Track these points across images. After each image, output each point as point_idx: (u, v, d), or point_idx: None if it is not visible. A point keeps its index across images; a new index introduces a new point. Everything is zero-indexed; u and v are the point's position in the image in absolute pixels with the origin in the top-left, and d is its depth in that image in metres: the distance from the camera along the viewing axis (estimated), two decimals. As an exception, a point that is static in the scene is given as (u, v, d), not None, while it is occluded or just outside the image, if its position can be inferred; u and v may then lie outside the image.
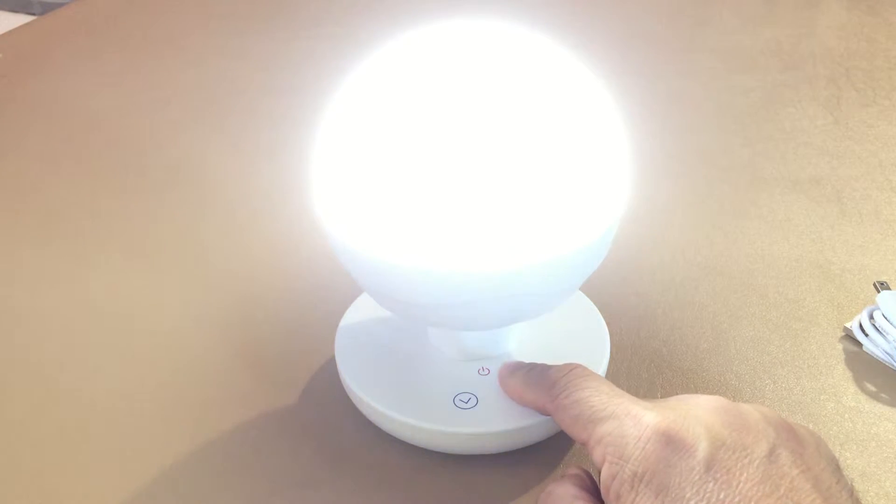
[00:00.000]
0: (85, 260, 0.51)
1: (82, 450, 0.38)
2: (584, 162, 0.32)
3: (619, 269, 0.49)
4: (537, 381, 0.34)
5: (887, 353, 0.42)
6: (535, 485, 0.36)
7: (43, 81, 0.77)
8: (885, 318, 0.42)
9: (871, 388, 0.41)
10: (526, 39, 0.33)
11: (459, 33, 0.33)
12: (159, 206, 0.57)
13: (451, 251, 0.31)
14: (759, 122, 0.68)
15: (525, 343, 0.40)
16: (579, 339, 0.40)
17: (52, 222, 0.56)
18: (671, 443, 0.27)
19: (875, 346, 0.42)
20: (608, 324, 0.41)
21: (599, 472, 0.29)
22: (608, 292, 0.46)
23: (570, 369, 0.33)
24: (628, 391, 0.40)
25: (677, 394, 0.40)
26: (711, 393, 0.40)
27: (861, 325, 0.43)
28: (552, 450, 0.37)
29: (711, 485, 0.26)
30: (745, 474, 0.26)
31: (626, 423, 0.29)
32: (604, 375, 0.39)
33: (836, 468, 0.29)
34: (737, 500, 0.26)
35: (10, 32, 0.89)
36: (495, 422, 0.36)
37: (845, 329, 0.44)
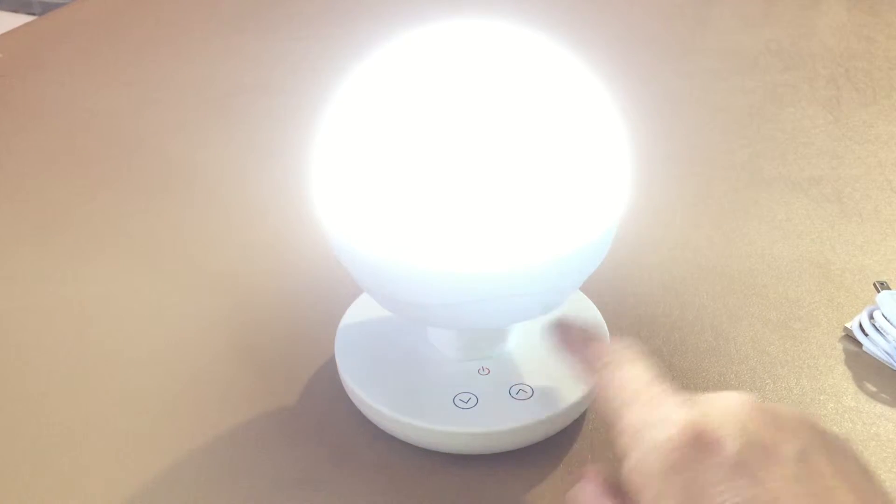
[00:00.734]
0: (84, 260, 0.51)
1: (82, 450, 0.38)
2: (584, 162, 0.32)
3: (619, 269, 0.49)
4: (591, 347, 0.32)
5: (887, 353, 0.42)
6: (535, 485, 0.36)
7: (43, 81, 0.77)
8: (885, 318, 0.42)
9: (871, 388, 0.41)
10: (526, 40, 0.33)
11: (459, 33, 0.33)
12: (159, 206, 0.57)
13: (451, 251, 0.31)
14: (759, 122, 0.68)
15: (525, 343, 0.40)
16: (579, 339, 0.40)
17: (51, 222, 0.56)
18: (702, 438, 0.27)
19: (875, 346, 0.42)
20: (608, 324, 0.41)
21: (622, 460, 0.28)
22: (608, 292, 0.46)
23: (625, 347, 0.31)
24: (628, 391, 0.41)
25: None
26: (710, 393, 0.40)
27: (861, 325, 0.43)
28: (552, 450, 0.37)
29: (742, 481, 0.25)
30: (778, 472, 0.26)
31: (658, 414, 0.28)
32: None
33: (866, 470, 0.28)
34: (768, 497, 0.25)
35: (10, 32, 0.89)
36: (495, 422, 0.36)
37: (845, 329, 0.44)
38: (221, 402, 0.40)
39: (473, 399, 0.37)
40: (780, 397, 0.40)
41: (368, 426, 0.38)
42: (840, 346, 0.43)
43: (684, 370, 0.42)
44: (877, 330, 0.42)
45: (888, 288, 0.45)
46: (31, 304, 0.48)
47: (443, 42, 0.33)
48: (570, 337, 0.34)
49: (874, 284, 0.46)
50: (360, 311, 0.42)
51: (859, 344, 0.43)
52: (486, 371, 0.38)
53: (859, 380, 0.41)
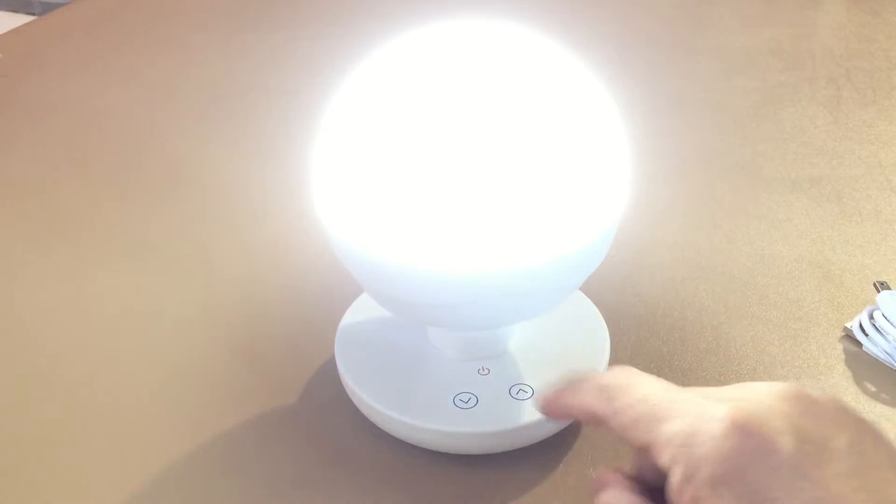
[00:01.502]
0: (85, 260, 0.51)
1: (82, 449, 0.38)
2: (584, 162, 0.32)
3: (619, 269, 0.49)
4: (586, 388, 0.30)
5: (887, 353, 0.42)
6: (535, 485, 0.36)
7: (43, 81, 0.77)
8: (885, 318, 0.42)
9: (871, 388, 0.41)
10: (526, 39, 0.33)
11: (460, 33, 0.33)
12: (159, 206, 0.57)
13: (450, 251, 0.31)
14: (759, 122, 0.68)
15: (525, 343, 0.40)
16: (579, 339, 0.40)
17: (52, 222, 0.56)
18: (751, 438, 0.25)
19: (875, 346, 0.42)
20: (608, 324, 0.41)
21: (667, 474, 0.26)
22: (608, 292, 0.46)
23: (624, 371, 0.29)
24: (628, 391, 0.41)
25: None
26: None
27: (861, 325, 0.43)
28: (552, 450, 0.37)
29: (802, 482, 0.24)
30: (833, 468, 0.24)
31: (697, 419, 0.26)
32: (604, 375, 0.39)
33: None
34: (830, 498, 0.24)
35: (10, 32, 0.89)
36: (495, 422, 0.36)
37: (845, 329, 0.44)
38: (221, 401, 0.40)
39: (473, 399, 0.37)
40: (780, 397, 0.40)
41: (368, 426, 0.38)
42: (840, 346, 0.43)
43: (684, 370, 0.42)
44: (877, 330, 0.42)
45: (888, 288, 0.45)
46: (31, 303, 0.48)
47: (443, 42, 0.33)
48: (559, 395, 0.31)
49: (874, 284, 0.46)
50: (360, 311, 0.42)
51: (859, 344, 0.43)
52: (486, 371, 0.38)
53: (859, 380, 0.41)
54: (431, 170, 0.30)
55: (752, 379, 0.41)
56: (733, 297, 0.47)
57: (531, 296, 0.33)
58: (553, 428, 0.37)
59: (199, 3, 0.97)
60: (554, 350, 0.40)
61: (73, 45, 0.85)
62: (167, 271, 0.50)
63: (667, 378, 0.41)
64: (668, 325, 0.45)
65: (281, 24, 0.89)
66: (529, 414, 0.36)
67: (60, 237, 0.54)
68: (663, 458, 0.26)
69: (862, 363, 0.42)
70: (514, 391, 0.37)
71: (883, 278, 0.48)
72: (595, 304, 0.43)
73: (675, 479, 0.26)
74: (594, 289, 0.42)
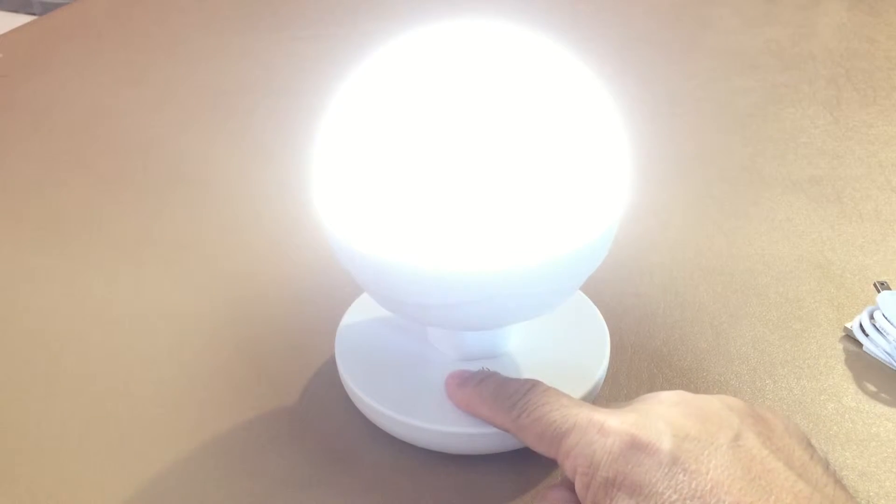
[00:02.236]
0: (85, 260, 0.51)
1: (82, 449, 0.38)
2: (584, 162, 0.32)
3: (619, 269, 0.49)
4: (493, 398, 0.33)
5: (887, 353, 0.42)
6: (535, 485, 0.36)
7: (43, 81, 0.77)
8: (885, 318, 0.42)
9: (871, 388, 0.41)
10: (525, 40, 0.33)
11: (460, 34, 0.33)
12: (159, 206, 0.57)
13: (450, 251, 0.31)
14: (759, 122, 0.68)
15: (525, 343, 0.40)
16: (579, 339, 0.40)
17: (52, 222, 0.56)
18: (636, 443, 0.28)
19: (875, 346, 0.42)
20: (608, 324, 0.41)
21: (573, 483, 0.29)
22: (608, 292, 0.46)
23: (528, 388, 0.33)
24: (628, 391, 0.41)
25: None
26: (710, 393, 0.40)
27: (861, 325, 0.43)
28: (552, 450, 0.37)
29: (681, 475, 0.26)
30: (713, 461, 0.27)
31: (590, 432, 0.29)
32: (604, 375, 0.39)
33: (808, 445, 0.29)
34: (709, 486, 0.26)
35: (10, 32, 0.89)
36: (495, 422, 0.36)
37: (845, 329, 0.44)
38: (221, 401, 0.40)
39: (473, 399, 0.37)
40: (780, 397, 0.40)
41: (368, 426, 0.38)
42: (840, 346, 0.43)
43: (684, 370, 0.42)
44: (877, 330, 0.42)
45: (888, 288, 0.45)
46: (30, 303, 0.48)
47: (443, 42, 0.33)
48: (466, 396, 0.35)
49: (874, 284, 0.46)
50: (360, 311, 0.42)
51: (859, 344, 0.43)
52: (487, 371, 0.38)
53: (859, 380, 0.41)
54: (431, 170, 0.30)
55: (752, 379, 0.41)
56: (733, 297, 0.47)
57: (531, 296, 0.33)
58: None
59: (199, 3, 0.97)
60: (554, 350, 0.40)
61: (73, 45, 0.85)
62: (167, 271, 0.50)
63: (667, 378, 0.42)
64: (668, 325, 0.45)
65: (281, 25, 0.89)
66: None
67: (60, 237, 0.54)
68: (567, 469, 0.29)
69: (862, 363, 0.42)
70: (514, 391, 0.37)
71: (883, 278, 0.48)
72: (595, 304, 0.43)
73: (577, 487, 0.29)
74: (594, 289, 0.42)
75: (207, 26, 0.90)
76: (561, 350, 0.40)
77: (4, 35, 0.88)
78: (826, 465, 0.28)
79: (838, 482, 0.27)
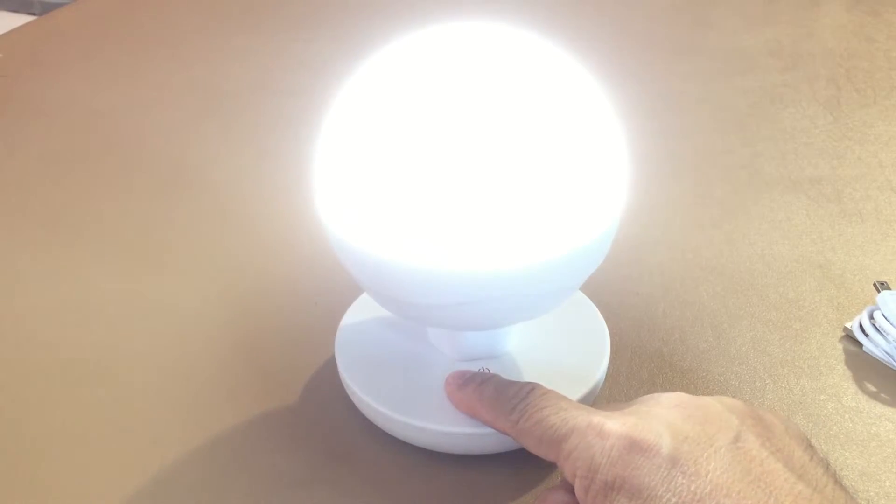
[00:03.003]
0: (84, 260, 0.51)
1: (82, 449, 0.38)
2: (584, 162, 0.32)
3: (619, 269, 0.49)
4: (492, 402, 0.34)
5: (887, 353, 0.42)
6: (535, 485, 0.36)
7: (43, 81, 0.77)
8: (885, 318, 0.42)
9: (871, 388, 0.41)
10: (526, 41, 0.33)
11: (460, 35, 0.33)
12: (159, 206, 0.57)
13: (451, 251, 0.31)
14: (759, 122, 0.68)
15: (525, 343, 0.40)
16: (579, 339, 0.40)
17: (52, 222, 0.56)
18: (635, 446, 0.28)
19: (875, 346, 0.42)
20: (608, 324, 0.41)
21: (573, 486, 0.29)
22: (608, 292, 0.46)
23: (527, 392, 0.33)
24: (628, 391, 0.41)
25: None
26: (711, 393, 0.40)
27: (861, 325, 0.43)
28: (552, 450, 0.37)
29: (681, 478, 0.26)
30: (712, 463, 0.27)
31: (589, 435, 0.29)
32: (603, 376, 0.39)
33: (808, 446, 0.29)
34: (708, 489, 0.26)
35: (10, 32, 0.89)
36: (495, 422, 0.36)
37: (845, 329, 0.44)
38: (221, 401, 0.40)
39: (473, 399, 0.37)
40: (780, 397, 0.40)
41: (368, 426, 0.38)
42: (840, 346, 0.43)
43: (684, 370, 0.42)
44: (877, 330, 0.42)
45: (888, 288, 0.45)
46: (30, 303, 0.48)
47: (444, 44, 0.33)
48: (466, 398, 0.35)
49: (874, 284, 0.46)
50: (360, 311, 0.42)
51: (859, 344, 0.43)
52: (486, 371, 0.38)
53: (859, 380, 0.41)
54: (431, 171, 0.30)
55: (752, 379, 0.41)
56: (733, 297, 0.47)
57: (531, 296, 0.33)
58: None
59: (199, 3, 0.97)
60: (554, 350, 0.40)
61: (73, 45, 0.86)
62: (167, 270, 0.50)
63: (667, 378, 0.42)
64: (668, 325, 0.45)
65: (282, 25, 0.89)
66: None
67: (60, 236, 0.54)
68: (567, 472, 0.29)
69: (862, 363, 0.42)
70: (514, 391, 0.37)
71: (883, 278, 0.48)
72: (595, 304, 0.43)
73: (577, 490, 0.29)
74: (594, 289, 0.42)
75: (207, 26, 0.90)
76: (561, 350, 0.40)
77: (4, 35, 0.88)
78: (826, 466, 0.28)
79: (838, 483, 0.27)
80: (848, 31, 0.86)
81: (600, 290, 0.44)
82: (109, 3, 0.97)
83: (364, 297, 0.43)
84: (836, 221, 0.54)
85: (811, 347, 0.43)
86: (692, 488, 0.26)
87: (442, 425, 0.36)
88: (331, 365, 0.42)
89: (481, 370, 0.38)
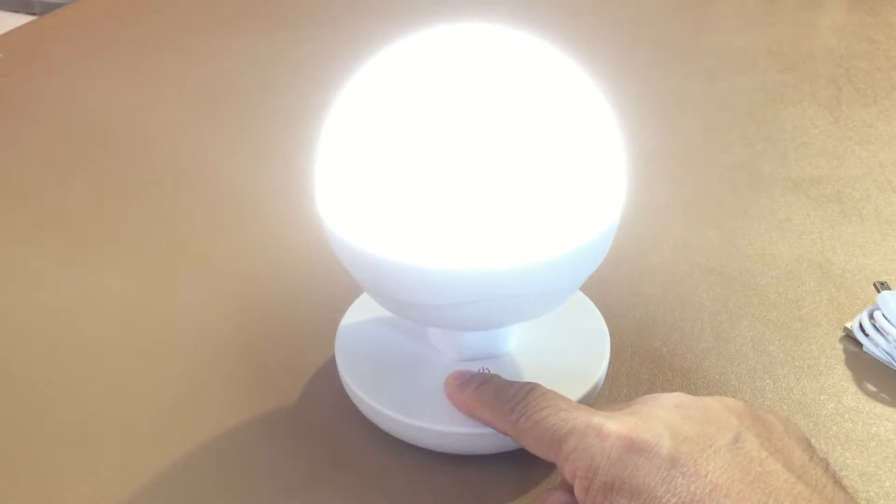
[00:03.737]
0: (84, 260, 0.51)
1: (83, 449, 0.38)
2: (584, 162, 0.32)
3: (619, 269, 0.49)
4: (492, 402, 0.33)
5: (887, 353, 0.42)
6: (534, 485, 0.36)
7: (43, 81, 0.77)
8: (886, 318, 0.42)
9: (871, 388, 0.41)
10: (526, 42, 0.33)
11: (460, 36, 0.33)
12: (159, 206, 0.57)
13: (451, 251, 0.31)
14: (759, 122, 0.68)
15: (525, 343, 0.40)
16: (579, 339, 0.40)
17: (52, 222, 0.56)
18: (634, 446, 0.28)
19: (875, 346, 0.42)
20: (608, 324, 0.41)
21: (572, 486, 0.29)
22: (608, 292, 0.46)
23: (527, 392, 0.33)
24: (628, 391, 0.41)
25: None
26: (711, 393, 0.40)
27: (861, 325, 0.43)
28: (552, 450, 0.37)
29: (680, 479, 0.26)
30: (712, 464, 0.27)
31: (589, 435, 0.29)
32: (604, 376, 0.39)
33: (808, 446, 0.29)
34: (707, 490, 0.26)
35: (10, 32, 0.89)
36: (495, 422, 0.36)
37: (845, 329, 0.44)
38: (221, 401, 0.40)
39: (473, 399, 0.37)
40: (780, 397, 0.40)
41: (368, 426, 0.38)
42: (840, 346, 0.43)
43: (684, 370, 0.42)
44: (877, 330, 0.42)
45: (888, 288, 0.45)
46: (30, 302, 0.48)
47: (444, 44, 0.33)
48: (466, 399, 0.35)
49: (874, 284, 0.46)
50: (360, 311, 0.42)
51: (859, 344, 0.43)
52: (486, 371, 0.38)
53: (859, 380, 0.41)
54: (432, 171, 0.30)
55: (752, 379, 0.41)
56: (733, 297, 0.47)
57: (531, 296, 0.33)
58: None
59: (199, 3, 0.97)
60: (554, 350, 0.40)
61: (73, 45, 0.86)
62: (167, 270, 0.50)
63: (667, 378, 0.42)
64: (668, 325, 0.45)
65: (282, 26, 0.89)
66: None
67: (60, 237, 0.54)
68: (566, 473, 0.29)
69: (862, 363, 0.42)
70: (514, 391, 0.37)
71: (883, 278, 0.48)
72: (595, 304, 0.43)
73: (576, 490, 0.29)
74: (594, 289, 0.42)
75: (207, 26, 0.90)
76: (561, 350, 0.40)
77: (4, 35, 0.88)
78: (826, 467, 0.28)
79: (838, 483, 0.27)
80: (848, 31, 0.86)
81: (600, 290, 0.44)
82: (109, 3, 0.97)
83: (364, 297, 0.43)
84: (836, 221, 0.54)
85: (811, 347, 0.43)
86: (692, 489, 0.26)
87: (442, 425, 0.36)
88: (331, 365, 0.42)
89: (481, 370, 0.38)
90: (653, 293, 0.48)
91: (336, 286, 0.44)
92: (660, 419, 0.29)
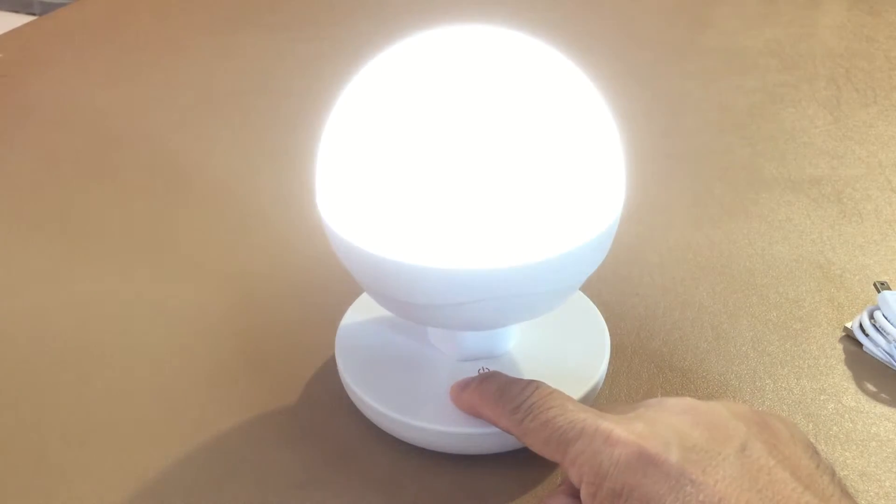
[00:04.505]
0: (84, 260, 0.51)
1: (82, 449, 0.38)
2: (584, 162, 0.32)
3: (619, 269, 0.49)
4: (496, 400, 0.33)
5: (887, 353, 0.42)
6: (535, 485, 0.36)
7: (43, 81, 0.77)
8: (885, 318, 0.42)
9: (871, 388, 0.41)
10: (526, 43, 0.33)
11: (460, 37, 0.33)
12: (159, 206, 0.57)
13: (451, 251, 0.31)
14: (759, 122, 0.68)
15: (525, 343, 0.40)
16: (579, 339, 0.40)
17: (52, 222, 0.56)
18: (643, 454, 0.27)
19: (875, 346, 0.42)
20: (608, 324, 0.41)
21: (579, 491, 0.29)
22: (608, 292, 0.46)
23: (533, 390, 0.32)
24: (628, 391, 0.41)
25: (678, 394, 0.41)
26: (711, 393, 0.41)
27: (861, 325, 0.43)
28: (552, 450, 0.37)
29: (689, 487, 0.26)
30: (720, 472, 0.27)
31: (597, 441, 0.29)
32: (604, 376, 0.39)
33: (814, 453, 0.29)
34: (716, 499, 0.26)
35: (10, 32, 0.89)
36: (495, 422, 0.36)
37: (845, 329, 0.44)
38: (221, 401, 0.40)
39: (473, 399, 0.37)
40: (780, 397, 0.40)
41: (368, 426, 0.38)
42: (840, 346, 0.44)
43: (684, 370, 0.42)
44: (877, 330, 0.42)
45: (888, 288, 0.45)
46: (29, 302, 0.48)
47: (444, 45, 0.33)
48: (469, 398, 0.35)
49: (874, 284, 0.46)
50: (360, 312, 0.42)
51: (859, 344, 0.43)
52: (486, 371, 0.38)
53: (859, 380, 0.41)
54: (432, 171, 0.31)
55: (752, 379, 0.41)
56: (733, 297, 0.47)
57: (531, 296, 0.33)
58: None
59: (201, 3, 0.97)
60: (554, 350, 0.40)
61: (73, 45, 0.86)
62: (167, 270, 0.50)
63: (667, 378, 0.42)
64: (668, 325, 0.45)
65: (282, 26, 0.89)
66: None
67: (60, 237, 0.54)
68: (572, 476, 0.29)
69: (862, 363, 0.42)
70: (514, 391, 0.37)
71: (883, 278, 0.48)
72: (595, 304, 0.43)
73: (583, 495, 0.28)
74: (594, 289, 0.42)
75: (207, 26, 0.90)
76: (561, 350, 0.40)
77: (4, 35, 0.88)
78: (833, 474, 0.28)
79: (844, 492, 0.27)
80: (848, 31, 0.86)
81: (600, 290, 0.44)
82: (109, 3, 0.97)
83: (364, 297, 0.43)
84: (836, 221, 0.54)
85: (811, 347, 0.43)
86: (700, 497, 0.26)
87: (442, 425, 0.36)
88: (331, 365, 0.42)
89: (480, 370, 0.38)
90: (653, 293, 0.48)
91: (336, 286, 0.44)
92: (668, 426, 0.28)
